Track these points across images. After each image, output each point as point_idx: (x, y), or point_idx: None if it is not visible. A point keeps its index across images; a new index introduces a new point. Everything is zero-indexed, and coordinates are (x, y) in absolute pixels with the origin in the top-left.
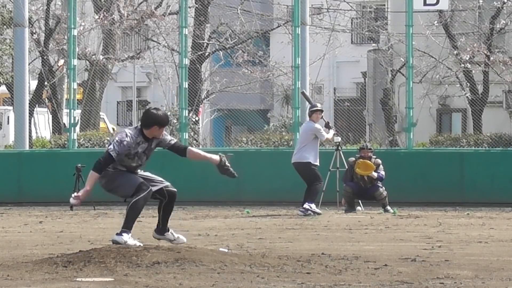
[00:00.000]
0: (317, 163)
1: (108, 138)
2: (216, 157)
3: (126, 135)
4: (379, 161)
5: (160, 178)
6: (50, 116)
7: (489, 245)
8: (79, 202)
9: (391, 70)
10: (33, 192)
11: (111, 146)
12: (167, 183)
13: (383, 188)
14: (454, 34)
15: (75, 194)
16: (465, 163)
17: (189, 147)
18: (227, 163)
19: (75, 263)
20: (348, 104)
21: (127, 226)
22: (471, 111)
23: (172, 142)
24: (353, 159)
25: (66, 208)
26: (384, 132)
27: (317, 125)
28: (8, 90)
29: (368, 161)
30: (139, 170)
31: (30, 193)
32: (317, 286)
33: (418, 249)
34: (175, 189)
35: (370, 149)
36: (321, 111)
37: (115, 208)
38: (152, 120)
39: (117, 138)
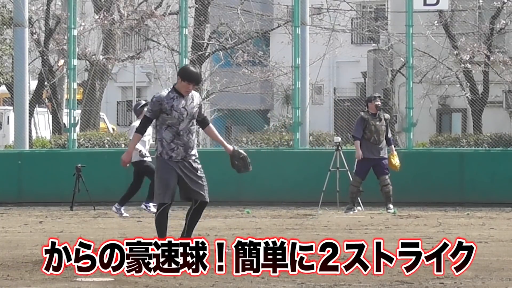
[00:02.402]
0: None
1: (108, 138)
2: (230, 147)
3: (158, 93)
4: (388, 115)
5: (200, 182)
6: (50, 116)
7: (489, 245)
8: (125, 164)
9: (391, 70)
10: (33, 192)
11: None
12: (201, 190)
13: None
14: (454, 34)
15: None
16: (465, 163)
17: (211, 125)
18: (240, 156)
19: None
20: (348, 104)
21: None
22: (471, 111)
23: (202, 116)
24: (365, 113)
25: (66, 208)
26: None
27: (135, 123)
28: (8, 90)
29: (396, 163)
30: (186, 135)
31: (30, 193)
32: (317, 286)
33: None
34: (205, 198)
35: (379, 96)
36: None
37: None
38: (182, 73)
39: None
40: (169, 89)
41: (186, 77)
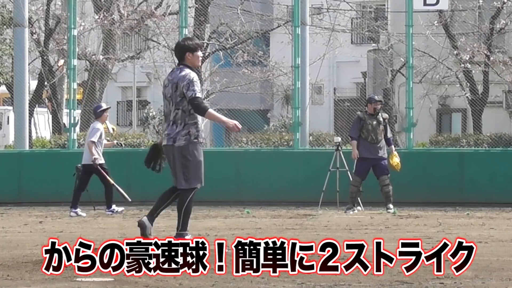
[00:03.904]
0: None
1: (108, 138)
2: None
3: (190, 73)
4: (387, 115)
5: None
6: (50, 116)
7: (489, 245)
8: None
9: (391, 70)
10: (33, 192)
11: (193, 91)
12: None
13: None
14: (454, 34)
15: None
16: (465, 163)
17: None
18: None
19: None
20: (348, 104)
21: (185, 226)
22: (471, 111)
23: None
24: (362, 112)
25: (66, 208)
26: None
27: (96, 125)
28: (8, 90)
29: (395, 163)
30: None
31: (30, 193)
32: (317, 286)
33: None
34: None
35: (380, 101)
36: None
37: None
38: (192, 45)
39: (190, 80)
40: (188, 70)
41: (197, 46)
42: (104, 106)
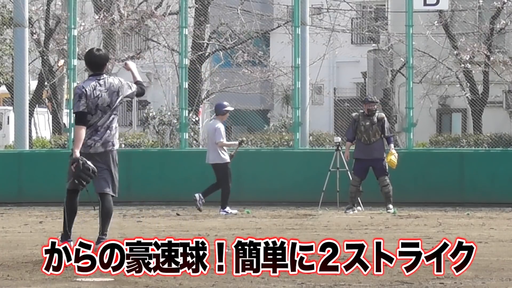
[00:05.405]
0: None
1: None
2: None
3: (119, 78)
4: (383, 114)
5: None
6: (50, 116)
7: (489, 245)
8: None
9: (391, 70)
10: (33, 192)
11: (132, 85)
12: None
13: (388, 179)
14: (454, 34)
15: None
16: (465, 163)
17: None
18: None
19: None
20: (348, 104)
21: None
22: (471, 111)
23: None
24: (357, 113)
25: None
26: None
27: (218, 125)
28: (8, 90)
29: (388, 159)
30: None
31: (30, 193)
32: (317, 286)
33: None
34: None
35: (374, 101)
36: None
37: (114, 208)
38: (106, 59)
39: (126, 82)
40: (115, 77)
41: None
42: (228, 106)
